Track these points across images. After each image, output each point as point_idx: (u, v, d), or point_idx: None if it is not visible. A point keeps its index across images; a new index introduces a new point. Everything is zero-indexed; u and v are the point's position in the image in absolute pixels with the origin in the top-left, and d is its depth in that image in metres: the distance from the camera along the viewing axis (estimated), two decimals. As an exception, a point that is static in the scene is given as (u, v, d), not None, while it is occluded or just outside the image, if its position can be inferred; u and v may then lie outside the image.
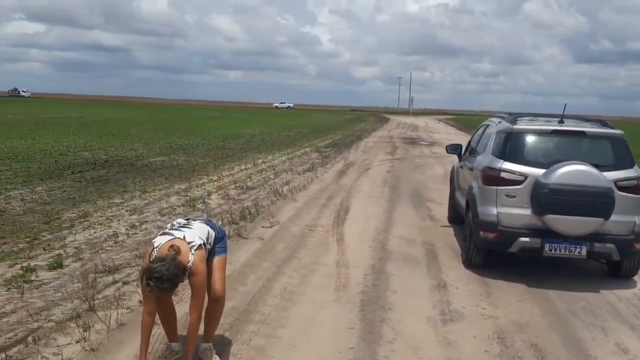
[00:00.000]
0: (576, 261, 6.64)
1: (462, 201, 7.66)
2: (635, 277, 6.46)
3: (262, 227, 8.33)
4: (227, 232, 4.10)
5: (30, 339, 4.15)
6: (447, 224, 9.10)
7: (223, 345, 4.25)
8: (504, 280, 6.21)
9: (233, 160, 17.02)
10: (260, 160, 17.34)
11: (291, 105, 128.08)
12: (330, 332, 4.64)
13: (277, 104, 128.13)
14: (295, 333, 4.61)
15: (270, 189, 11.79)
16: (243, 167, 15.61)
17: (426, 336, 4.64)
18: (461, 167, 8.46)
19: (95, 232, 7.57)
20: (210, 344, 4.04)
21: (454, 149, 8.98)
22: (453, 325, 4.89)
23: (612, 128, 6.45)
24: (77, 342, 4.14)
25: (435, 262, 6.87)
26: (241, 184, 12.25)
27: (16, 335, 4.24)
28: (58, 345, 4.07)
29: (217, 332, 4.35)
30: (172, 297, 3.99)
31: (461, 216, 7.92)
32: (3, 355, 3.87)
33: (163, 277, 3.42)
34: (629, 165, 6.11)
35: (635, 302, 5.71)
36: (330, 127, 43.28)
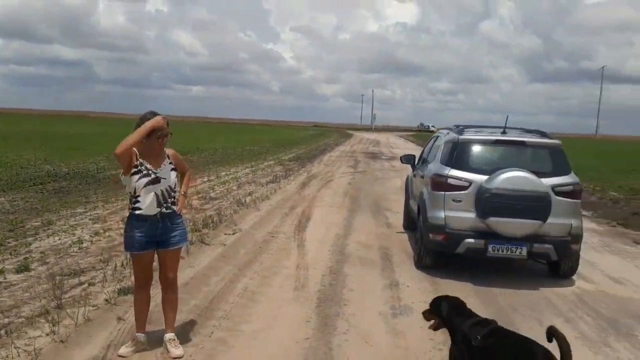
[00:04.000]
0: (519, 262, 7.15)
1: (415, 208, 8.09)
2: (574, 277, 6.95)
3: (225, 234, 8.60)
4: (189, 237, 4.46)
5: (2, 332, 4.35)
6: (403, 230, 9.53)
7: (186, 337, 4.53)
8: (453, 280, 6.64)
9: (196, 172, 17.19)
10: (223, 173, 17.57)
11: None
12: (288, 326, 4.96)
13: None
14: (256, 327, 4.91)
15: (234, 199, 12.05)
16: (206, 179, 15.82)
17: (377, 327, 5.01)
18: (414, 176, 8.93)
19: (60, 239, 7.73)
20: (173, 333, 4.34)
21: (407, 159, 9.44)
22: (402, 318, 5.28)
23: (551, 138, 7.01)
24: (47, 334, 4.36)
25: (389, 264, 7.27)
26: (204, 195, 12.48)
27: (-13, 330, 4.43)
28: (29, 337, 4.29)
29: (180, 326, 4.64)
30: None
31: (415, 222, 8.35)
32: (-24, 346, 4.07)
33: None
34: (565, 172, 6.65)
35: (572, 299, 6.20)
36: (294, 142, 43.69)
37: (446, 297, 4.01)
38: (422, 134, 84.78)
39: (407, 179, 9.96)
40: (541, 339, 4.77)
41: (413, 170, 9.20)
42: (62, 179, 14.19)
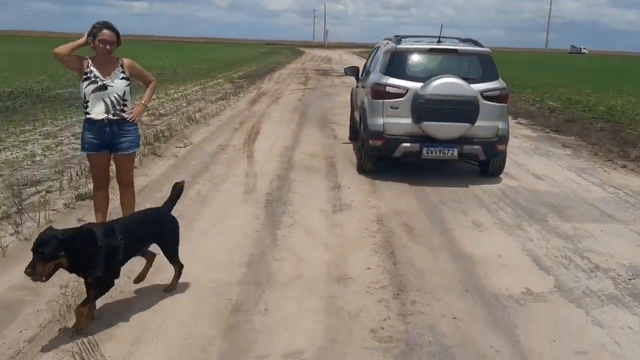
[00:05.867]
0: (452, 163, 7.77)
1: (358, 118, 8.52)
2: (501, 175, 7.62)
3: (176, 147, 8.89)
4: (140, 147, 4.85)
5: (-34, 234, 4.66)
6: (348, 141, 9.99)
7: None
8: (391, 182, 7.20)
9: (144, 91, 17.02)
10: (172, 91, 17.49)
11: None
12: (237, 223, 5.43)
13: None
14: (207, 225, 5.36)
15: (183, 115, 12.22)
16: (154, 97, 15.75)
17: (318, 221, 5.54)
18: (357, 87, 9.30)
19: (12, 153, 7.88)
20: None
21: (352, 71, 9.75)
22: (341, 214, 5.82)
23: (482, 47, 7.44)
24: (12, 234, 4.70)
25: (333, 171, 7.77)
26: (154, 112, 12.57)
27: (-48, 233, 4.72)
28: (-6, 237, 4.62)
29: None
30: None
31: (358, 133, 8.81)
32: (-56, 246, 4.37)
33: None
34: (493, 78, 7.14)
35: (497, 193, 6.85)
36: (244, 61, 43.01)
37: (56, 232, 3.19)
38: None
39: (352, 91, 10.33)
40: (463, 225, 5.48)
41: (357, 82, 9.55)
42: (7, 98, 13.94)
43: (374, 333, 3.43)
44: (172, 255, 3.95)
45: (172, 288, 3.94)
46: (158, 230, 3.87)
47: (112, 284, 3.51)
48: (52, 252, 3.07)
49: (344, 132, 10.76)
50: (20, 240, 4.61)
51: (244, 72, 28.31)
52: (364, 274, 4.31)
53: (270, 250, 4.74)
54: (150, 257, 3.96)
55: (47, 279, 3.14)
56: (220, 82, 21.73)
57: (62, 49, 4.29)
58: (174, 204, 4.11)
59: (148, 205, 5.74)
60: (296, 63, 43.00)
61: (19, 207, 5.29)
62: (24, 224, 4.94)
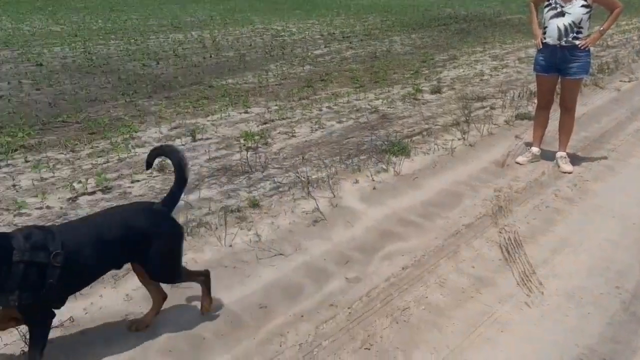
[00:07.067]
0: None
1: None
2: None
3: (620, 81, 8.42)
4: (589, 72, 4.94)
5: (424, 133, 5.67)
6: None
7: (576, 160, 5.07)
8: None
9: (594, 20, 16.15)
10: (623, 22, 16.08)
11: None
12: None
13: None
14: (643, 163, 5.13)
15: (633, 48, 11.28)
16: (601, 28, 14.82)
17: None
18: None
19: (463, 71, 8.85)
20: (565, 153, 4.93)
21: None
22: None
23: None
24: (459, 139, 5.49)
25: None
26: (602, 42, 11.93)
27: (414, 130, 5.81)
28: (445, 139, 5.49)
29: (571, 150, 5.17)
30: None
31: None
32: (408, 140, 5.44)
33: None
34: None
35: None
36: None
37: None
38: None
39: None
40: None
41: None
42: (462, 20, 15.33)
43: None
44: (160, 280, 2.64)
45: (140, 327, 2.65)
46: (141, 241, 2.42)
47: (50, 316, 2.32)
48: None
49: None
50: (466, 145, 5.36)
51: None
52: None
53: None
54: (204, 279, 2.76)
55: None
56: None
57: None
58: (178, 198, 2.56)
59: (583, 134, 5.84)
60: None
61: (467, 118, 6.06)
62: (469, 132, 5.68)
